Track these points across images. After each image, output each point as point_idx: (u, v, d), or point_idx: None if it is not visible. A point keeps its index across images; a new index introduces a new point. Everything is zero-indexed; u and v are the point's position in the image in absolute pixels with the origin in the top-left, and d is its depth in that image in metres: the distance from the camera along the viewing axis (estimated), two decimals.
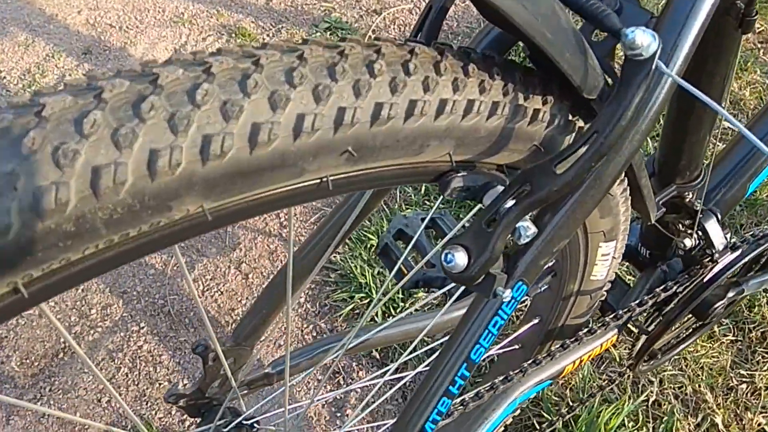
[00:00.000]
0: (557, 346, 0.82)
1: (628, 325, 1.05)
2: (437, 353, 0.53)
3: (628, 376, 1.33)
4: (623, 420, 1.23)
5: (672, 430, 1.24)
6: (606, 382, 1.09)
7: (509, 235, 0.46)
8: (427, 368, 0.73)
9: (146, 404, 1.37)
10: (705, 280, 0.84)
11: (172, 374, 1.42)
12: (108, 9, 2.23)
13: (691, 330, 1.05)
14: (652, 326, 0.91)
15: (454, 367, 0.52)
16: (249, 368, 0.78)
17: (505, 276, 0.48)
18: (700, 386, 1.31)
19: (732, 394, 1.31)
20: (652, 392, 1.30)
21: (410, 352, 0.70)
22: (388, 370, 0.81)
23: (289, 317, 0.47)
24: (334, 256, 1.59)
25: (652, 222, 0.76)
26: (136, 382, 1.39)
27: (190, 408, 0.77)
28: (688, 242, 0.80)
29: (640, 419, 1.26)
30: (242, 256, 1.61)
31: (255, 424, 0.77)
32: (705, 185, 0.79)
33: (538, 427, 1.21)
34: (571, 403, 1.26)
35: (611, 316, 0.81)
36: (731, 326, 1.40)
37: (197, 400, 0.76)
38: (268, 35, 2.11)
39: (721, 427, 1.25)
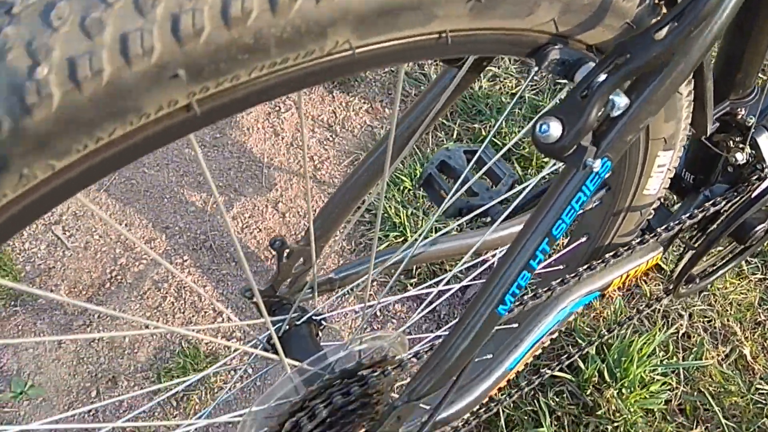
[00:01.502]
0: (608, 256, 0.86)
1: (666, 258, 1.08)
2: (520, 229, 0.57)
3: (658, 310, 1.37)
4: (654, 349, 1.27)
5: (701, 358, 1.29)
6: (636, 311, 1.13)
7: (602, 107, 0.49)
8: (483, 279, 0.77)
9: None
10: (753, 196, 0.87)
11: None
12: None
13: (729, 257, 1.08)
14: (698, 244, 0.95)
15: (536, 241, 0.56)
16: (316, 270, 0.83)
17: (594, 148, 0.51)
18: (728, 320, 1.35)
19: (759, 329, 1.35)
20: (681, 325, 1.35)
21: (463, 263, 0.73)
22: (442, 280, 0.85)
23: (383, 193, 0.50)
24: (369, 195, 1.62)
25: (707, 135, 0.79)
26: (182, 311, 1.45)
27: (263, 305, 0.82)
28: (740, 156, 0.83)
29: (671, 349, 1.31)
30: (278, 196, 1.65)
31: (323, 321, 0.81)
32: (759, 101, 0.81)
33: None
34: (603, 332, 1.30)
35: (662, 228, 0.84)
36: (759, 265, 1.44)
37: (269, 297, 0.81)
38: None
39: (749, 357, 1.30)
